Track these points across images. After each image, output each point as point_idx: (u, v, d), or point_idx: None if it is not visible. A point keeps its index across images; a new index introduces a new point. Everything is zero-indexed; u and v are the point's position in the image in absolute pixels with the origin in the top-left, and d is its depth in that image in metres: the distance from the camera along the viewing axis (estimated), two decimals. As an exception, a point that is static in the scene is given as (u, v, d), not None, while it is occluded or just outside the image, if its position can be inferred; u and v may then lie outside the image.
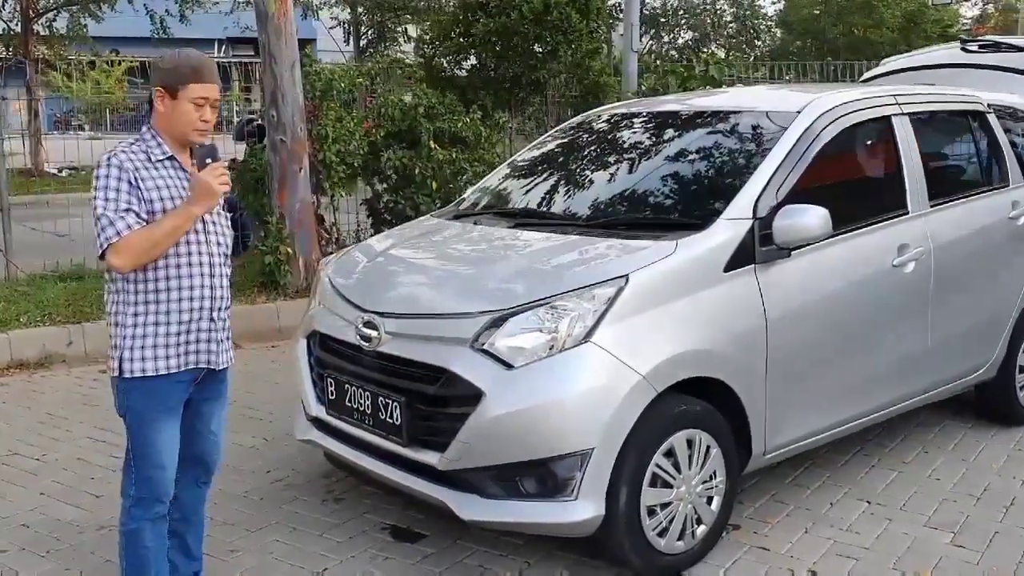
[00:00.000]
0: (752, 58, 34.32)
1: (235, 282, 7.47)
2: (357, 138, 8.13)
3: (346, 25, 23.52)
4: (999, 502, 4.06)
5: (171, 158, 2.83)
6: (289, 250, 7.35)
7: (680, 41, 37.12)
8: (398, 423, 3.36)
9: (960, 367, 4.56)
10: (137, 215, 2.71)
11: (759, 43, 39.71)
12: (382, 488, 3.78)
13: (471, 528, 3.43)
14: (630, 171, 4.28)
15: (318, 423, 3.84)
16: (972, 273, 4.51)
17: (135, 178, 2.73)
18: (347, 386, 3.59)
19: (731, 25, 38.54)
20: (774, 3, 39.52)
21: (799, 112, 3.99)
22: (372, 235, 8.75)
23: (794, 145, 3.82)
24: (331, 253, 7.54)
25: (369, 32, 24.12)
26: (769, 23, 41.13)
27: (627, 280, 3.26)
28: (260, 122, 8.64)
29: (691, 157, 4.15)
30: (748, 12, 37.88)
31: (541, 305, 3.22)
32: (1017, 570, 3.48)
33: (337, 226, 8.68)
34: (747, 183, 3.69)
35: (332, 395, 3.68)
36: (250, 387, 5.68)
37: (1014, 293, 4.79)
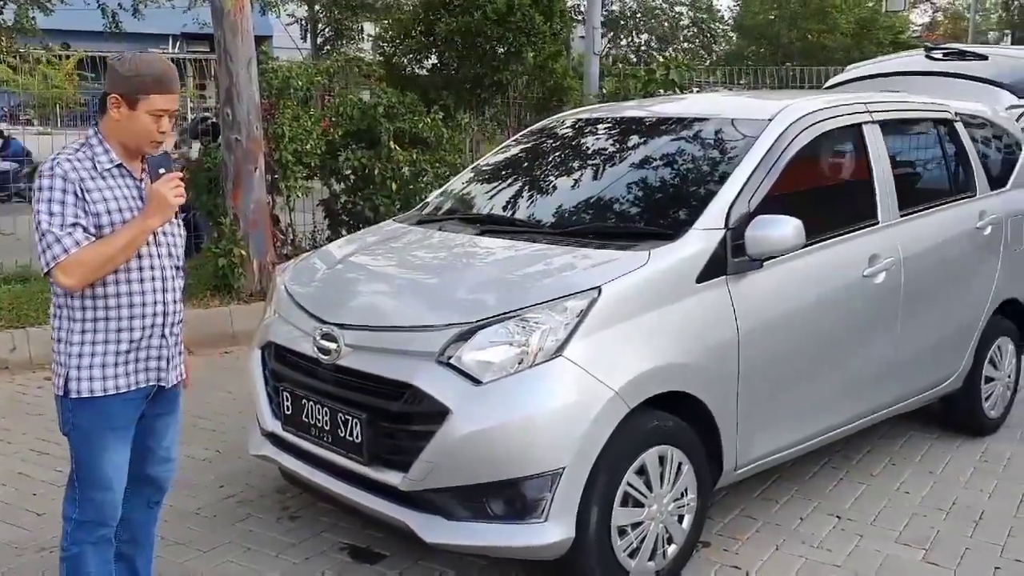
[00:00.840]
0: (708, 62, 34.63)
1: (188, 285, 7.25)
2: (314, 137, 7.95)
3: (303, 22, 23.23)
4: (968, 516, 4.02)
5: (119, 166, 2.64)
6: (243, 252, 7.14)
7: (637, 44, 37.31)
8: (358, 441, 3.20)
9: (929, 378, 4.53)
10: (85, 229, 2.52)
11: (716, 47, 40.04)
12: (340, 507, 3.63)
13: (434, 549, 3.30)
14: (598, 178, 4.16)
15: (273, 438, 3.67)
16: (940, 284, 4.47)
17: (81, 189, 2.53)
18: (304, 401, 3.43)
19: (689, 29, 38.82)
20: (730, 7, 39.90)
21: (770, 120, 3.91)
22: (329, 236, 8.59)
23: (766, 154, 3.74)
24: (287, 255, 7.36)
25: (326, 29, 23.83)
26: (725, 27, 41.48)
27: (600, 292, 3.14)
28: (214, 120, 8.42)
29: (661, 165, 4.05)
30: (705, 16, 38.17)
31: (511, 317, 3.09)
32: (990, 588, 3.43)
33: (293, 227, 8.50)
34: (719, 192, 3.59)
35: (288, 410, 3.52)
36: (202, 395, 5.47)
37: (980, 304, 4.77)
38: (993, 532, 3.87)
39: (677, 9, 37.28)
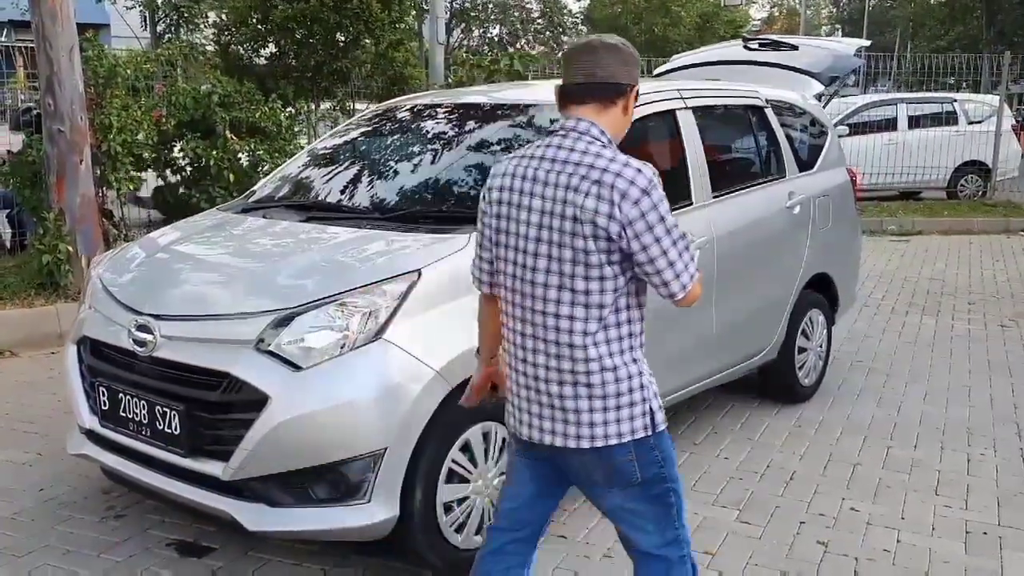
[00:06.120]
0: (560, 54, 35.24)
1: (9, 284, 6.90)
2: (145, 128, 7.67)
3: (142, 9, 22.21)
4: (780, 478, 4.28)
5: None
6: (70, 248, 6.82)
7: (489, 36, 37.60)
8: (177, 432, 3.15)
9: (746, 349, 4.79)
10: None
11: (566, 39, 40.79)
12: (167, 502, 3.54)
13: (263, 538, 3.28)
14: (425, 163, 4.19)
15: (92, 435, 3.56)
16: (752, 261, 4.72)
17: None
18: (121, 395, 3.34)
19: (539, 21, 39.37)
20: (578, 0, 40.73)
21: (590, 105, 4.03)
22: (165, 231, 8.32)
23: (586, 138, 3.86)
24: (119, 251, 7.08)
25: (169, 16, 22.87)
26: (575, 20, 42.30)
27: (420, 275, 3.19)
28: (38, 110, 8.01)
29: (486, 149, 4.12)
30: (554, 7, 38.76)
31: (331, 302, 3.10)
32: (794, 542, 3.67)
33: (126, 221, 8.18)
34: (538, 175, 3.69)
35: (105, 405, 3.42)
36: (26, 398, 5.24)
37: (791, 279, 5.07)
38: (801, 491, 4.15)
39: (527, 2, 37.73)
